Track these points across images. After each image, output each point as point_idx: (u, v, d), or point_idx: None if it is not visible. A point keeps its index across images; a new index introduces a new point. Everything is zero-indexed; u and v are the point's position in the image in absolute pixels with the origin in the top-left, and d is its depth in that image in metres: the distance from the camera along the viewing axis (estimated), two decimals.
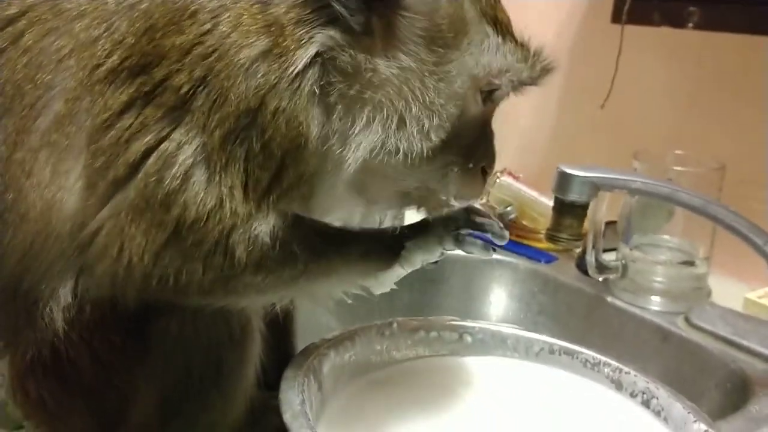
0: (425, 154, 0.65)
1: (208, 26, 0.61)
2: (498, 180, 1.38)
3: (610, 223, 1.13)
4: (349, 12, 0.61)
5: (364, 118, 0.63)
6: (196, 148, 0.61)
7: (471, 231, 0.73)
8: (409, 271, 0.73)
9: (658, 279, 1.11)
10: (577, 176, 0.87)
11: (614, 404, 0.75)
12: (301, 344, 0.86)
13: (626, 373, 0.75)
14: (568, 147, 1.34)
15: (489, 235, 0.73)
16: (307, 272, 0.66)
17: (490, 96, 0.68)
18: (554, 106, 1.36)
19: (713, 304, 1.10)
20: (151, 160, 0.61)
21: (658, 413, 0.72)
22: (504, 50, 0.67)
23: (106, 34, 0.63)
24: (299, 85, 0.61)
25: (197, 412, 0.72)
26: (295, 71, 0.60)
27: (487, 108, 0.69)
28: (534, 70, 0.69)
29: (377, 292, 0.73)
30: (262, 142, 0.61)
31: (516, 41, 0.68)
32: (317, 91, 0.62)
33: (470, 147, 0.68)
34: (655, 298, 1.10)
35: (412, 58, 0.63)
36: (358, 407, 0.71)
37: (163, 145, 0.61)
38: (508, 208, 1.33)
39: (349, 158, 0.63)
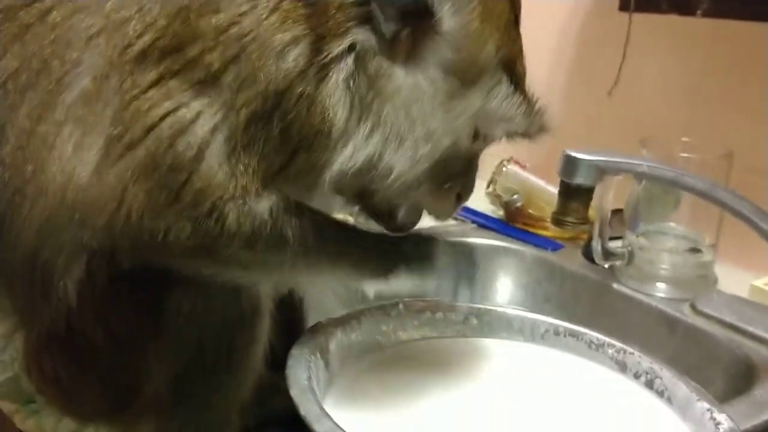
0: (410, 179, 0.66)
1: (245, 8, 0.62)
2: (505, 169, 1.38)
3: (616, 211, 1.13)
4: (384, 17, 0.62)
5: (369, 127, 0.64)
6: (218, 121, 0.62)
7: None
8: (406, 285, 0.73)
9: (664, 266, 1.11)
10: (583, 160, 0.87)
11: (618, 385, 0.75)
12: (309, 320, 0.88)
13: (630, 353, 0.76)
14: (576, 135, 1.33)
15: None
16: (294, 264, 0.67)
17: (483, 137, 0.70)
18: (561, 94, 1.36)
19: (719, 291, 1.10)
20: (167, 123, 0.62)
21: (661, 393, 0.72)
22: (511, 101, 0.68)
23: (138, 15, 0.65)
24: (327, 74, 0.62)
25: (208, 391, 0.72)
26: (327, 59, 0.62)
27: (476, 146, 0.71)
28: (532, 126, 0.71)
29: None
30: (282, 125, 0.62)
31: (525, 95, 0.70)
32: (343, 85, 0.63)
33: (450, 176, 0.70)
34: (661, 285, 1.10)
35: (428, 81, 0.65)
36: (364, 386, 0.72)
37: (180, 112, 0.62)
38: (515, 197, 1.33)
39: (341, 162, 0.64)
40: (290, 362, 0.67)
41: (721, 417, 0.66)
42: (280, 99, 0.62)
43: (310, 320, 0.88)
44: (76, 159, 0.66)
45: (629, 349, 0.76)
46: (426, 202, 0.72)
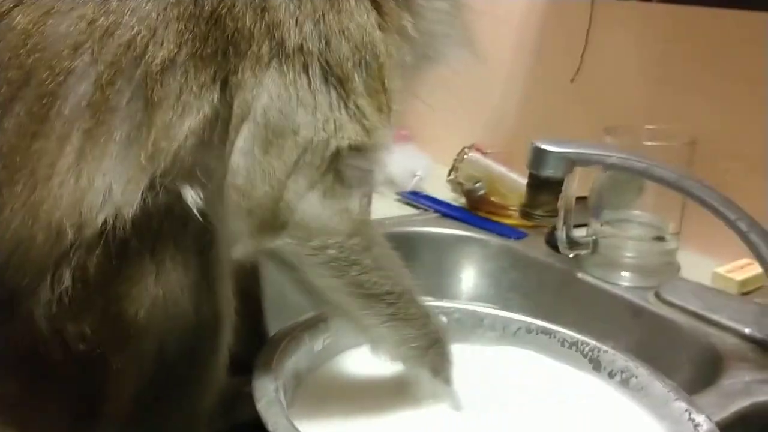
0: None
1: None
2: (466, 156, 1.36)
3: (580, 199, 1.12)
4: None
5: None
6: (311, 85, 0.64)
7: None
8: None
9: (629, 254, 1.11)
10: (552, 152, 0.85)
11: (592, 384, 0.74)
12: (271, 324, 0.85)
13: (604, 352, 0.75)
14: (538, 122, 1.32)
15: None
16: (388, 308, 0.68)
17: None
18: (523, 81, 1.34)
19: (683, 279, 1.10)
20: (265, 100, 0.63)
21: (637, 392, 0.71)
22: None
23: (135, 19, 0.62)
24: (399, 20, 0.69)
25: (171, 402, 0.70)
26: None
27: None
28: None
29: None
30: (376, 66, 0.66)
31: None
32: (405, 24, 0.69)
33: None
34: (626, 274, 1.10)
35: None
36: (332, 392, 0.70)
37: (273, 91, 0.63)
38: (477, 184, 1.31)
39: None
40: (256, 373, 0.64)
41: (700, 418, 0.65)
42: (369, 45, 0.65)
43: (270, 321, 0.86)
44: (84, 172, 0.62)
45: (603, 348, 0.75)
46: None
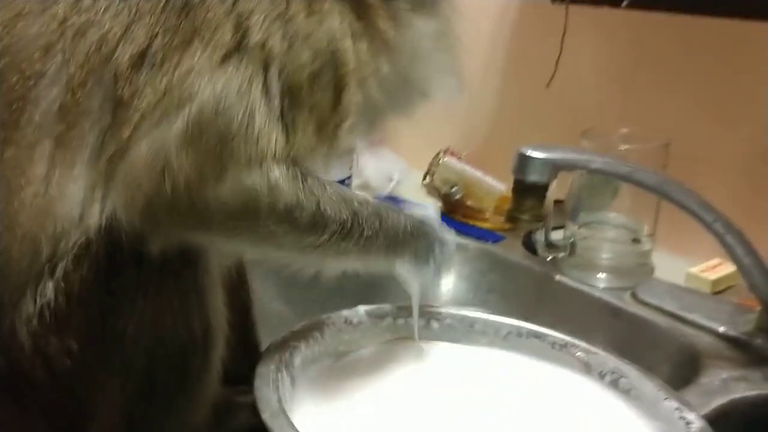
0: None
1: None
2: (441, 160, 1.37)
3: (557, 202, 1.14)
4: None
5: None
6: (271, 86, 0.62)
7: None
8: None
9: (605, 256, 1.13)
10: (538, 158, 0.87)
11: (583, 386, 0.75)
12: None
13: (594, 353, 0.76)
14: (513, 126, 1.34)
15: None
16: (328, 247, 0.66)
17: None
18: (498, 85, 1.36)
19: (658, 279, 1.12)
20: (208, 93, 0.60)
21: (627, 392, 0.73)
22: None
23: (107, 16, 0.62)
24: (366, 26, 0.67)
25: (162, 418, 0.69)
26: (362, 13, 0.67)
27: None
28: None
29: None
30: (330, 75, 0.64)
31: None
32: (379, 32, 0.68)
33: None
34: (602, 275, 1.12)
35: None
36: (330, 399, 0.70)
37: (221, 81, 0.60)
38: (453, 189, 1.33)
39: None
40: (257, 382, 0.64)
41: (691, 416, 0.66)
42: (328, 54, 0.64)
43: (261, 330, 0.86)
44: (55, 179, 0.62)
45: (593, 349, 0.76)
46: None
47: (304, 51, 0.63)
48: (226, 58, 0.61)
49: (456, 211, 1.31)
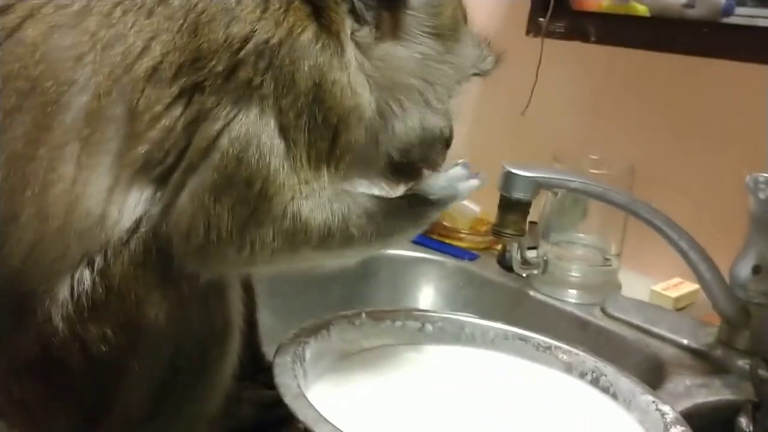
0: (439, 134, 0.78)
1: (258, 12, 0.66)
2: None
3: (530, 224, 1.21)
4: (365, 7, 0.70)
5: (403, 105, 0.73)
6: (273, 128, 0.66)
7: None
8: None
9: (575, 274, 1.20)
10: (522, 176, 0.94)
11: (566, 384, 0.81)
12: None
13: (576, 354, 0.83)
14: (489, 152, 1.41)
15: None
16: (354, 254, 0.75)
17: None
18: (474, 112, 1.43)
19: (624, 296, 1.20)
20: (225, 142, 0.65)
21: (606, 389, 0.79)
22: (475, 44, 0.79)
23: (133, 31, 0.66)
24: (347, 59, 0.68)
25: (182, 404, 0.73)
26: (342, 48, 0.68)
27: None
28: (493, 59, 0.83)
29: None
30: (323, 113, 0.67)
31: (476, 38, 0.80)
32: (357, 68, 0.70)
33: None
34: (572, 291, 1.19)
35: (424, 45, 0.73)
36: (338, 390, 0.75)
37: (235, 129, 0.65)
38: None
39: (393, 139, 0.74)
40: (277, 371, 0.68)
41: (665, 407, 0.73)
42: (317, 90, 0.67)
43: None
44: (82, 180, 0.66)
45: (574, 350, 0.82)
46: (430, 154, 0.81)
47: (294, 86, 0.67)
48: (235, 100, 0.66)
49: (433, 231, 1.37)
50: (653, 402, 0.74)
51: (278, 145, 0.67)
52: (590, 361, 0.81)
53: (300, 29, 0.66)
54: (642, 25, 1.30)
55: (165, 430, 0.74)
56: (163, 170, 0.67)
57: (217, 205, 0.66)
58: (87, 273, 0.67)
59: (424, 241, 1.35)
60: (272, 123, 0.66)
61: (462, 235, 1.36)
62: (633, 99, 1.32)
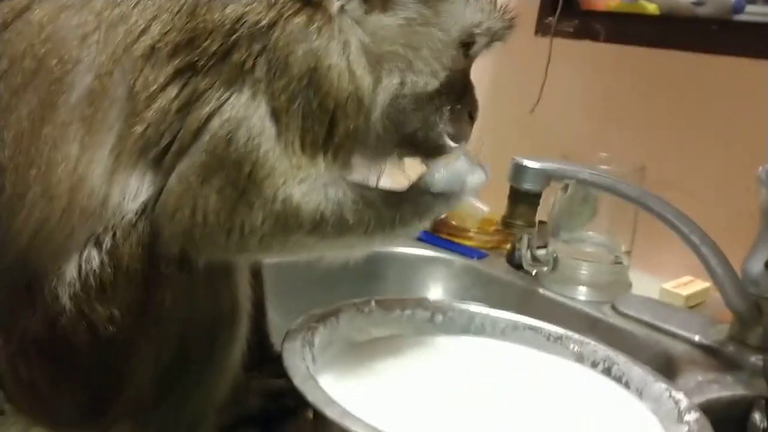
0: (430, 94, 0.73)
1: None
2: None
3: (540, 222, 1.21)
4: None
5: (386, 69, 0.70)
6: (265, 111, 0.65)
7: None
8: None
9: (584, 272, 1.19)
10: (531, 167, 0.93)
11: (578, 374, 0.81)
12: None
13: (587, 344, 0.82)
14: (499, 150, 1.41)
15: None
16: (354, 244, 0.72)
17: (467, 50, 0.76)
18: (485, 111, 1.43)
19: (635, 294, 1.19)
20: (216, 124, 0.65)
21: (619, 378, 0.78)
22: (480, 4, 0.75)
23: (136, 11, 0.66)
24: (346, 41, 0.67)
25: (190, 389, 0.73)
26: (340, 29, 0.67)
27: (467, 62, 0.77)
28: (503, 21, 0.78)
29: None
30: (319, 99, 0.66)
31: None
32: (356, 47, 0.68)
33: (457, 95, 0.77)
34: (582, 289, 1.18)
35: (410, 11, 0.70)
36: (346, 377, 0.74)
37: (226, 110, 0.65)
38: None
39: (376, 106, 0.70)
40: (285, 354, 0.68)
41: (679, 395, 0.72)
42: (313, 75, 0.66)
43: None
44: (85, 160, 0.66)
45: (586, 340, 0.82)
46: (447, 126, 0.77)
47: (287, 70, 0.66)
48: (232, 81, 0.65)
49: (441, 230, 1.37)
50: (666, 390, 0.73)
51: (269, 128, 0.66)
52: (602, 350, 0.81)
53: (291, 11, 0.66)
54: (651, 23, 1.30)
55: (172, 416, 0.73)
56: (157, 152, 0.66)
57: (205, 187, 0.65)
58: (95, 253, 0.66)
59: (432, 240, 1.34)
60: (263, 106, 0.66)
61: (471, 234, 1.36)
62: (642, 97, 1.32)
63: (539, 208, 1.13)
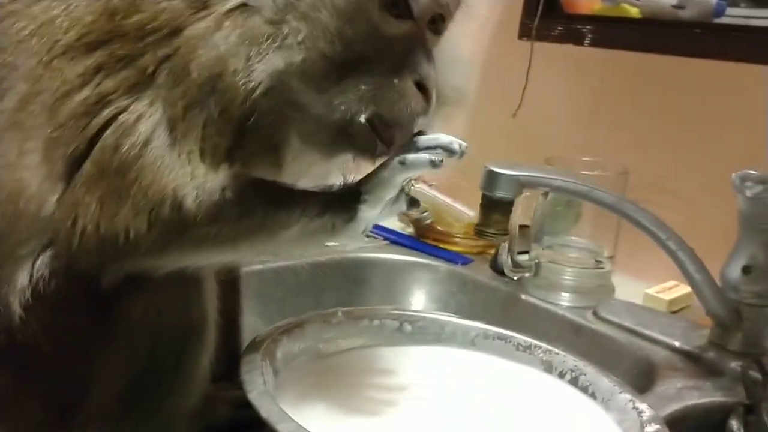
0: (313, 67, 0.63)
1: (163, 4, 0.64)
2: (412, 187, 1.43)
3: (523, 227, 1.20)
4: None
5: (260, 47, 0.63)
6: (158, 118, 0.63)
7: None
8: (377, 213, 0.69)
9: (568, 277, 1.19)
10: (504, 174, 0.93)
11: (546, 384, 0.81)
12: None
13: (555, 353, 0.82)
14: (482, 155, 1.41)
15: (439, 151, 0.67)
16: (266, 224, 0.66)
17: (402, 11, 0.65)
18: (466, 115, 1.43)
19: (618, 299, 1.19)
20: (109, 131, 0.63)
21: (585, 389, 0.78)
22: None
23: (64, 13, 0.66)
24: (253, 36, 0.63)
25: (158, 399, 0.72)
26: (236, 30, 0.63)
27: (408, 27, 0.66)
28: None
29: (350, 245, 0.72)
30: (221, 106, 0.63)
31: None
32: (269, 36, 0.63)
33: (392, 65, 0.65)
34: (565, 295, 1.18)
35: None
36: (309, 396, 0.74)
37: (122, 117, 0.63)
38: (424, 214, 1.38)
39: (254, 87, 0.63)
40: (244, 368, 0.68)
41: (642, 406, 0.72)
42: (215, 82, 0.62)
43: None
44: (21, 166, 0.65)
45: (554, 350, 0.81)
46: (388, 101, 0.65)
47: (189, 78, 0.63)
48: (130, 88, 0.64)
49: (426, 236, 1.37)
50: (630, 401, 0.73)
51: (162, 136, 0.63)
52: (570, 360, 0.80)
53: (198, 17, 0.63)
54: (634, 27, 1.29)
55: (142, 426, 0.73)
56: (65, 161, 0.65)
57: (86, 197, 0.63)
58: (47, 260, 0.66)
59: (417, 246, 1.34)
60: (159, 114, 0.63)
61: (456, 239, 1.35)
62: (626, 101, 1.31)
63: (524, 213, 1.14)
